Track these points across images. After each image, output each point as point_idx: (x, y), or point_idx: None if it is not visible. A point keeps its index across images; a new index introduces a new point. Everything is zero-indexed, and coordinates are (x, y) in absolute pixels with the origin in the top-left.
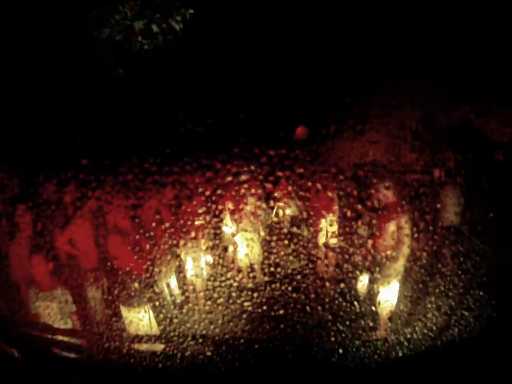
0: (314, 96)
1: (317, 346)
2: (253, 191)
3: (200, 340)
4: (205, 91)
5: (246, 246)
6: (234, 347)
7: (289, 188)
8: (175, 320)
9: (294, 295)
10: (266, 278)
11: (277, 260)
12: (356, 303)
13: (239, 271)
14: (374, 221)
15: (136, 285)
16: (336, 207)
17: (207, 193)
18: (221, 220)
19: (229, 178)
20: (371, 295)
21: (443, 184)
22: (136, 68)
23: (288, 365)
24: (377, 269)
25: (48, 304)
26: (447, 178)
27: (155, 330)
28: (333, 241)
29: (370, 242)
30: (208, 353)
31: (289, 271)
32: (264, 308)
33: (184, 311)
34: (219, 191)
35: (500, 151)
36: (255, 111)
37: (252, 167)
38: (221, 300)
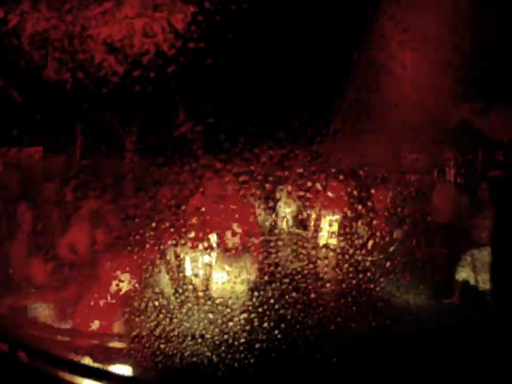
0: (314, 96)
1: (317, 346)
2: (252, 191)
3: (200, 340)
4: (205, 91)
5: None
6: (234, 347)
7: (289, 188)
8: (175, 320)
9: (294, 294)
10: (266, 278)
11: (277, 260)
12: (355, 302)
13: (239, 271)
14: (374, 221)
15: (136, 284)
16: (335, 207)
17: (207, 193)
18: (221, 220)
19: (229, 178)
20: (371, 293)
21: (442, 184)
22: (136, 67)
23: (288, 365)
24: (378, 267)
25: (48, 304)
26: (446, 178)
27: (155, 330)
28: (333, 241)
29: (370, 242)
30: (208, 353)
31: (289, 271)
32: (265, 307)
33: (184, 310)
34: (219, 191)
35: (499, 151)
36: (256, 111)
37: (252, 167)
38: (221, 299)
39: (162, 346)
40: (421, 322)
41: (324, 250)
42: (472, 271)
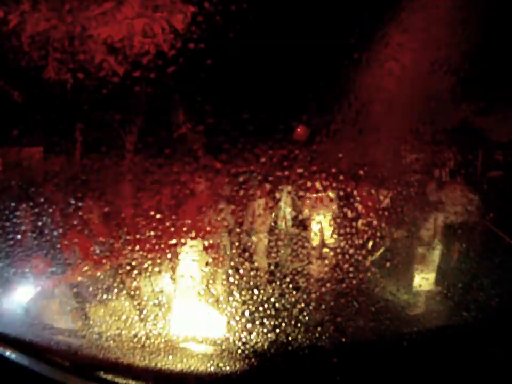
0: (314, 96)
1: (317, 347)
2: (252, 191)
3: (200, 340)
4: (205, 91)
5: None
6: (234, 347)
7: (289, 188)
8: (175, 320)
9: (294, 294)
10: (267, 277)
11: (278, 260)
12: (355, 302)
13: (239, 271)
14: (374, 221)
15: (136, 284)
16: (335, 207)
17: (207, 193)
18: (220, 220)
19: (229, 179)
20: (371, 294)
21: (443, 184)
22: (136, 67)
23: (289, 366)
24: (378, 267)
25: (48, 303)
26: (446, 178)
27: (155, 329)
28: (332, 241)
29: (370, 242)
30: (208, 353)
31: (289, 270)
32: (265, 307)
33: (184, 310)
34: (219, 191)
35: (499, 151)
36: (256, 111)
37: (252, 167)
38: (221, 299)
39: (162, 346)
40: (420, 322)
41: (323, 250)
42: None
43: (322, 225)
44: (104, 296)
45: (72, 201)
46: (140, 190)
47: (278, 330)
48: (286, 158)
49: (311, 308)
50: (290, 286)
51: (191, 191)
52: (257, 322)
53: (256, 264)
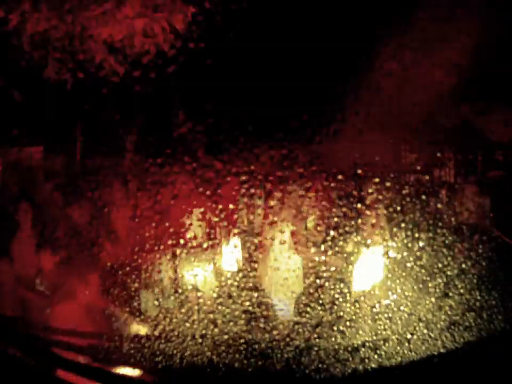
0: (315, 96)
1: (316, 347)
2: (252, 191)
3: (200, 340)
4: (205, 91)
5: (246, 247)
6: (234, 347)
7: (289, 188)
8: (175, 320)
9: (294, 295)
10: (266, 279)
11: (278, 260)
12: (355, 303)
13: (239, 271)
14: (373, 221)
15: (136, 284)
16: (335, 207)
17: (207, 193)
18: (220, 220)
19: (229, 178)
20: (371, 296)
21: (442, 184)
22: (136, 67)
23: (288, 366)
24: (378, 269)
25: (48, 303)
26: (446, 179)
27: (155, 330)
28: (332, 240)
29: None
30: (208, 353)
31: (289, 271)
32: (265, 307)
33: (184, 310)
34: (219, 191)
35: (499, 151)
36: (256, 111)
37: (252, 167)
38: (221, 299)
39: (162, 346)
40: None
41: (323, 250)
42: None
43: (322, 225)
44: (105, 296)
45: (71, 201)
46: (139, 190)
47: (276, 331)
48: (286, 158)
49: (310, 307)
50: (290, 286)
51: (191, 191)
52: (255, 323)
53: (255, 264)
